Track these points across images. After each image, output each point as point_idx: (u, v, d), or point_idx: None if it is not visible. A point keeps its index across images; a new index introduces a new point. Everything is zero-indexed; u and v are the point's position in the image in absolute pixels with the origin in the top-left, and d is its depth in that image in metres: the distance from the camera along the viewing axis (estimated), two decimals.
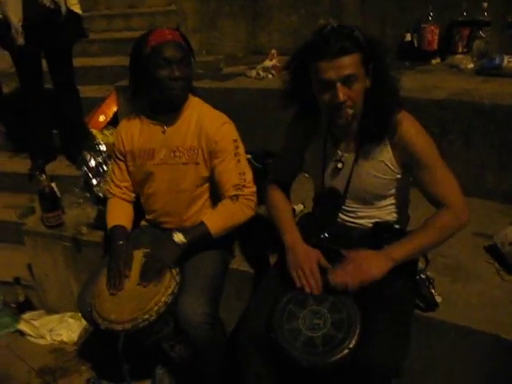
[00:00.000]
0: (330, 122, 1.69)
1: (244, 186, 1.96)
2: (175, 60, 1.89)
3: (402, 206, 1.86)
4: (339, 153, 1.77)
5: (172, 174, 2.05)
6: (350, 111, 1.59)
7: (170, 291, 1.82)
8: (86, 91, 3.96)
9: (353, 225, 1.84)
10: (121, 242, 2.01)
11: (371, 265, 1.58)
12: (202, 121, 2.00)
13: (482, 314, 1.84)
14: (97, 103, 3.85)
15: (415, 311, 1.82)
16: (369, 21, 3.63)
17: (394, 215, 1.83)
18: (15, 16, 3.06)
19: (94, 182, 2.80)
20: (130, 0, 5.11)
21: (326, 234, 1.85)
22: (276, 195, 1.93)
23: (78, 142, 3.35)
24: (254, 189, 2.00)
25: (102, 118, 3.63)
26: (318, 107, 1.68)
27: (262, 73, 3.28)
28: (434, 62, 3.34)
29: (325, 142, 1.79)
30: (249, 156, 2.87)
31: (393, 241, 1.75)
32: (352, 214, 1.83)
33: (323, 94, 1.59)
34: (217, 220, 1.95)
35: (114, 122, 3.61)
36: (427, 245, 1.67)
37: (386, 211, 1.82)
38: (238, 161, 1.98)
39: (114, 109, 3.64)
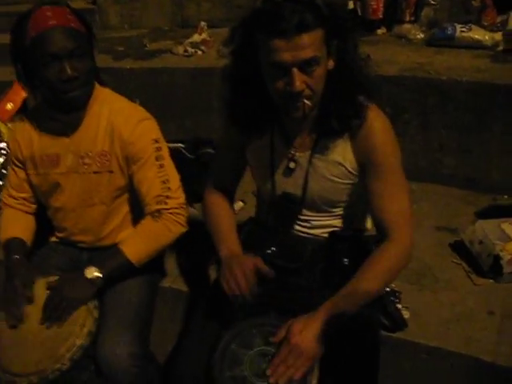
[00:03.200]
0: (283, 114, 1.34)
1: (168, 197, 1.59)
2: (65, 54, 1.46)
3: (360, 217, 1.58)
4: (291, 151, 1.43)
5: (82, 185, 1.65)
6: (309, 102, 1.25)
7: (85, 331, 1.45)
8: None
9: (306, 235, 1.53)
10: (16, 257, 1.62)
11: (308, 345, 1.22)
12: (114, 118, 1.60)
13: (456, 331, 1.59)
14: (1, 89, 3.33)
15: (381, 332, 1.54)
16: None
17: (351, 225, 1.53)
18: None
19: None
20: None
21: (274, 248, 1.52)
22: (214, 201, 1.58)
23: None
24: (182, 199, 1.62)
25: (9, 106, 3.11)
26: (264, 95, 1.32)
27: (190, 49, 2.89)
28: (379, 32, 3.07)
29: (272, 138, 1.45)
30: (180, 145, 2.52)
31: (350, 252, 1.48)
32: (305, 224, 1.52)
33: (275, 81, 1.23)
34: (137, 245, 1.58)
35: (23, 111, 3.12)
36: (376, 291, 1.33)
37: (343, 220, 1.52)
38: (161, 166, 1.61)
39: (23, 95, 3.14)
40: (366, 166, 1.37)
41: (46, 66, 1.46)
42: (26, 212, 1.80)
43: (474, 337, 1.56)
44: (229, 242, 1.47)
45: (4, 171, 2.40)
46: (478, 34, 2.67)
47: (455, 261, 1.89)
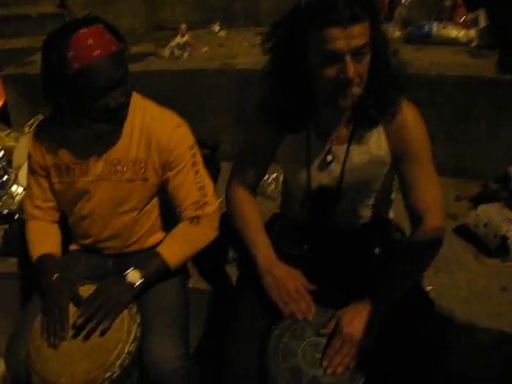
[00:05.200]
0: (330, 104, 1.38)
1: (205, 203, 1.62)
2: (112, 85, 1.42)
3: (386, 207, 1.66)
4: (328, 144, 1.49)
5: (113, 193, 1.64)
6: (358, 90, 1.31)
7: (132, 337, 1.45)
8: None
9: (341, 228, 1.58)
10: (56, 275, 1.57)
11: (360, 334, 1.29)
12: (150, 125, 1.59)
13: (476, 308, 1.70)
14: None
15: None
16: None
17: (382, 213, 1.62)
18: None
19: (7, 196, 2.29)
20: None
21: (306, 246, 1.59)
22: (244, 204, 1.60)
23: None
24: (216, 204, 1.66)
25: None
26: (305, 88, 1.38)
27: (177, 51, 2.89)
28: None
29: (308, 133, 1.50)
30: None
31: (381, 241, 1.56)
32: (340, 216, 1.57)
33: (327, 69, 1.28)
34: (175, 250, 1.60)
35: (4, 119, 3.04)
36: (414, 277, 1.44)
37: (372, 210, 1.59)
38: (197, 172, 1.62)
39: (1, 103, 3.05)
40: (401, 155, 1.44)
41: (94, 98, 1.42)
42: (52, 222, 1.75)
43: (494, 312, 1.68)
44: (263, 245, 1.50)
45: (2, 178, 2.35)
46: (453, 31, 2.82)
47: (463, 244, 2.01)
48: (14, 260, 2.17)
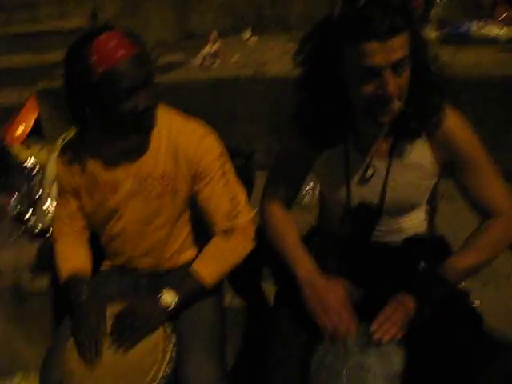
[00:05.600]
0: (367, 119, 1.32)
1: (238, 213, 1.56)
2: (139, 85, 1.40)
3: (432, 215, 1.56)
4: (367, 159, 1.42)
5: (143, 210, 1.60)
6: (398, 104, 1.24)
7: (168, 357, 1.41)
8: None
9: (382, 243, 1.51)
10: (85, 297, 1.56)
11: (413, 306, 1.29)
12: (177, 137, 1.55)
13: None
14: (7, 112, 3.25)
15: None
16: None
17: (425, 226, 1.53)
18: None
19: (29, 213, 2.28)
20: None
21: (348, 261, 1.51)
22: (279, 219, 1.54)
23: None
24: (251, 213, 1.60)
25: (20, 130, 3.04)
26: (340, 102, 1.31)
27: (208, 60, 2.86)
28: None
29: (346, 147, 1.43)
30: None
31: (428, 256, 1.48)
32: (381, 231, 1.50)
33: (364, 85, 1.21)
34: (212, 266, 1.55)
35: (33, 133, 3.06)
36: (480, 265, 1.38)
37: (417, 222, 1.51)
38: (227, 181, 1.57)
39: (33, 117, 3.07)
40: (453, 164, 1.37)
41: (120, 101, 1.40)
42: (81, 241, 1.73)
43: None
44: (303, 259, 1.44)
45: (35, 194, 2.35)
46: (492, 30, 2.71)
47: (509, 255, 1.90)
48: (47, 276, 2.16)
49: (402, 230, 1.50)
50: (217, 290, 1.68)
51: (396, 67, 1.19)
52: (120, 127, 1.49)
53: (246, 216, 1.58)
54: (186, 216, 1.66)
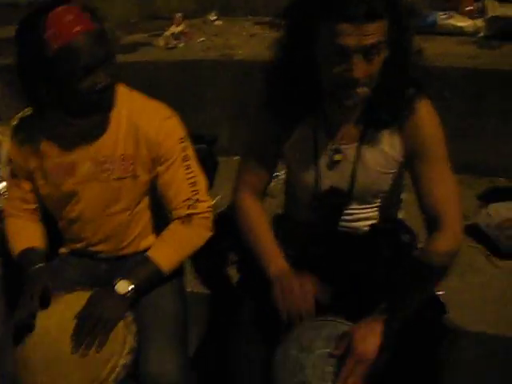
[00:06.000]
0: (333, 102, 1.29)
1: (198, 200, 1.51)
2: (98, 63, 1.33)
3: (395, 208, 1.56)
4: (336, 143, 1.39)
5: (102, 193, 1.53)
6: (364, 90, 1.22)
7: (127, 348, 1.34)
8: None
9: (349, 230, 1.49)
10: (41, 265, 1.49)
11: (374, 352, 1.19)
12: (137, 118, 1.49)
13: (493, 314, 1.60)
14: None
15: None
16: None
17: (388, 215, 1.52)
18: None
19: None
20: None
21: (316, 247, 1.49)
22: (251, 208, 1.51)
23: None
24: (210, 201, 1.56)
25: None
26: (311, 83, 1.29)
27: (172, 41, 2.78)
28: None
29: (314, 130, 1.40)
30: None
31: (394, 243, 1.48)
32: (348, 217, 1.48)
33: (333, 66, 1.19)
34: (168, 252, 1.50)
35: None
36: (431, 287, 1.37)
37: (380, 211, 1.49)
38: (188, 166, 1.52)
39: None
40: (415, 154, 1.35)
41: (77, 79, 1.32)
42: (34, 221, 1.66)
43: (510, 318, 1.59)
44: (275, 255, 1.41)
45: None
46: (459, 21, 2.74)
47: (472, 244, 1.92)
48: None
49: (367, 219, 1.49)
50: (177, 275, 1.62)
51: (367, 53, 1.16)
52: (77, 107, 1.42)
53: (205, 204, 1.53)
54: (147, 200, 1.60)
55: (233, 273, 1.85)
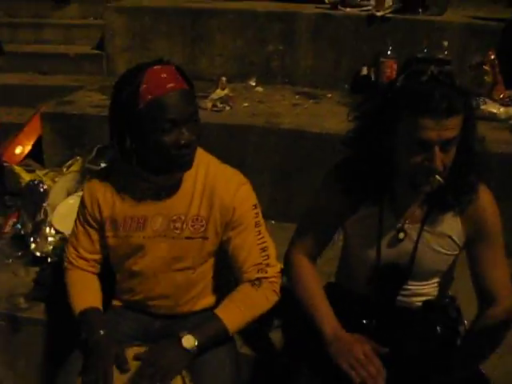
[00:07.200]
0: (411, 186, 1.39)
1: (268, 265, 1.57)
2: (184, 119, 1.42)
3: (449, 285, 1.64)
4: (401, 222, 1.48)
5: (169, 250, 1.58)
6: (440, 179, 1.31)
7: None
8: None
9: (403, 305, 1.56)
10: (102, 333, 1.51)
11: None
12: (213, 182, 1.56)
13: None
14: (6, 130, 3.21)
15: None
16: (322, 50, 3.44)
17: (442, 291, 1.59)
18: None
19: (31, 236, 2.23)
20: (36, 8, 4.41)
21: (369, 320, 1.56)
22: (305, 271, 1.58)
23: None
24: (279, 267, 1.62)
25: (18, 150, 2.99)
26: (384, 164, 1.40)
27: (219, 104, 2.91)
28: None
29: (381, 208, 1.49)
30: None
31: (443, 320, 1.57)
32: (405, 292, 1.55)
33: (413, 155, 1.30)
34: (236, 313, 1.54)
35: (34, 155, 3.03)
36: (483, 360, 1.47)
37: (436, 288, 1.57)
38: (259, 232, 1.59)
39: (34, 139, 3.03)
40: (475, 237, 1.45)
41: (163, 132, 1.41)
42: (94, 274, 1.70)
43: None
44: (329, 318, 1.47)
45: (38, 218, 2.30)
46: (492, 108, 2.87)
47: None
48: (43, 306, 2.09)
49: (424, 295, 1.55)
50: (231, 337, 1.65)
51: (445, 145, 1.27)
52: (157, 162, 1.49)
53: (274, 269, 1.59)
54: (211, 261, 1.65)
55: (276, 336, 1.90)
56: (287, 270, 1.61)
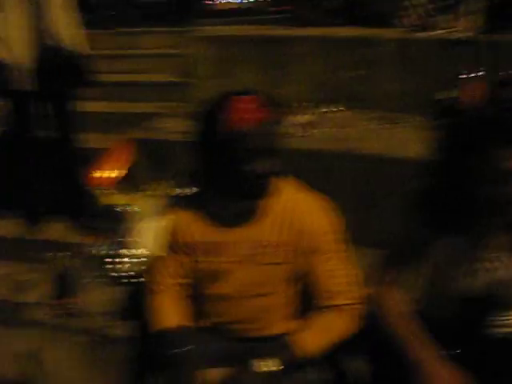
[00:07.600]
0: (497, 215, 1.40)
1: (353, 291, 1.57)
2: (261, 151, 1.45)
3: None
4: (486, 251, 1.48)
5: (252, 275, 1.61)
6: None
7: None
8: (86, 140, 3.50)
9: (490, 334, 1.52)
10: (186, 351, 1.55)
11: None
12: (294, 207, 1.58)
13: None
14: (94, 156, 3.39)
15: None
16: (404, 74, 3.40)
17: None
18: (23, 57, 2.67)
19: (119, 258, 2.33)
20: (127, 40, 4.70)
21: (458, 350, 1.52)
22: (395, 303, 1.59)
23: (82, 202, 2.93)
24: (362, 293, 1.60)
25: (111, 174, 3.15)
26: (467, 196, 1.40)
27: (302, 129, 2.95)
28: None
29: (467, 238, 1.48)
30: None
31: None
32: (496, 323, 1.51)
33: (495, 185, 1.31)
34: (317, 339, 1.54)
35: (120, 179, 3.17)
36: None
37: None
38: (342, 258, 1.59)
39: (120, 163, 3.18)
40: None
41: (241, 160, 1.44)
42: (181, 299, 1.72)
43: None
44: (423, 342, 1.48)
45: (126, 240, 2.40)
46: None
47: None
48: (129, 324, 2.12)
49: (507, 325, 1.51)
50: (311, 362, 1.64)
51: None
52: (235, 189, 1.52)
53: (357, 295, 1.58)
54: (293, 286, 1.65)
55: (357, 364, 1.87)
56: (375, 302, 1.61)
